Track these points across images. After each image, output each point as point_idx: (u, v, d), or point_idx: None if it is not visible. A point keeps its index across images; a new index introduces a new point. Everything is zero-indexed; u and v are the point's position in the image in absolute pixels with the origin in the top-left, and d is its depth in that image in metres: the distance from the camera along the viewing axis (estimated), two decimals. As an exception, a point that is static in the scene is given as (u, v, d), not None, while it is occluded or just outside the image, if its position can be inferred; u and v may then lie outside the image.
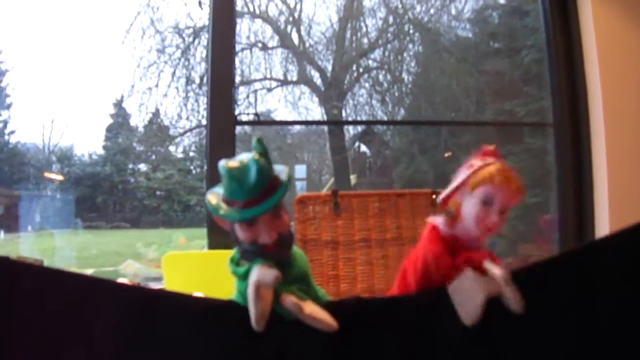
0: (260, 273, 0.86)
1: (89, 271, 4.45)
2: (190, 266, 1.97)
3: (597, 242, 1.09)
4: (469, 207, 0.96)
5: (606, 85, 2.89)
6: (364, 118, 4.56)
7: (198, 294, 1.62)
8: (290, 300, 0.88)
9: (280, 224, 0.90)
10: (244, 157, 0.88)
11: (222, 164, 0.88)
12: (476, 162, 0.99)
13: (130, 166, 5.79)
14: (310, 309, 0.88)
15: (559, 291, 0.95)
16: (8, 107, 5.26)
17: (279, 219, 0.90)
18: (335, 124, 4.71)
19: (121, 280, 1.74)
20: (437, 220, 1.02)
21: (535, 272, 0.98)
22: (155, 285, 2.30)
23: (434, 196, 1.99)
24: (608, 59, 2.90)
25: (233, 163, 0.87)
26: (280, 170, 0.92)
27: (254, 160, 0.86)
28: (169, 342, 0.90)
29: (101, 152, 5.82)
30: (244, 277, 0.89)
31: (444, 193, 1.01)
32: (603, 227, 2.77)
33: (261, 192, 0.86)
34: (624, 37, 2.94)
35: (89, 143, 5.82)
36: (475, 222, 0.95)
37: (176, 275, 2.05)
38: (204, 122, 4.25)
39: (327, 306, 0.91)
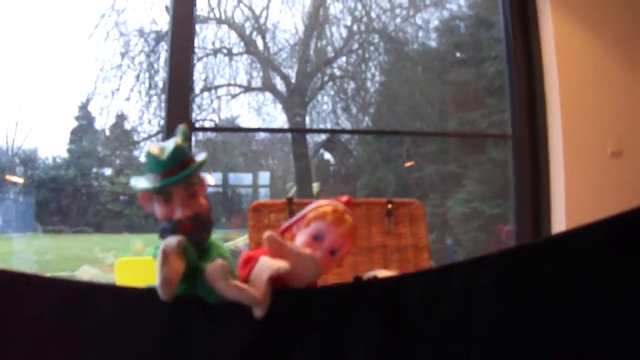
0: (166, 240, 0.88)
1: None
2: (142, 272, 1.94)
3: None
4: (301, 240, 0.99)
5: (565, 99, 2.92)
6: (328, 126, 4.57)
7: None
8: (216, 265, 0.86)
9: (197, 204, 0.94)
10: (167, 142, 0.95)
11: (147, 147, 0.94)
12: (321, 202, 1.03)
13: (94, 170, 5.72)
14: (235, 281, 0.87)
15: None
16: (-29, 108, 5.18)
17: (196, 198, 0.94)
18: (294, 131, 4.70)
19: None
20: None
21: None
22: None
23: (389, 206, 2.00)
24: (567, 73, 2.94)
25: (156, 145, 0.94)
26: (199, 155, 0.97)
27: (173, 142, 0.93)
28: (92, 331, 0.90)
29: (65, 155, 5.75)
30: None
31: (285, 224, 1.05)
32: (559, 238, 2.81)
33: (176, 166, 0.92)
34: (583, 52, 2.98)
35: (53, 146, 5.76)
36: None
37: (128, 281, 2.03)
38: (166, 127, 4.23)
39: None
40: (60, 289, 0.94)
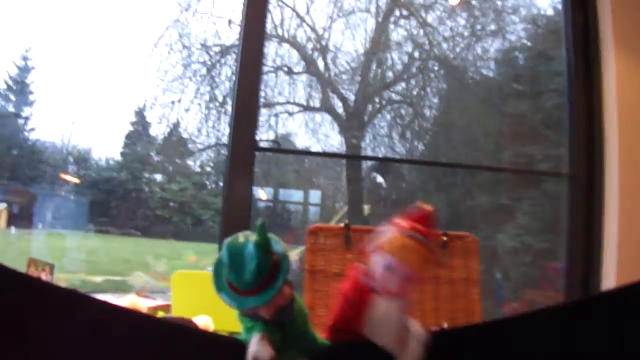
0: (257, 350, 0.89)
1: (97, 278, 4.47)
2: (198, 287, 1.96)
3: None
4: (375, 268, 0.98)
5: (624, 140, 2.88)
6: (383, 150, 4.58)
7: (204, 317, 1.64)
8: None
9: (280, 299, 0.92)
10: (245, 241, 0.90)
11: (226, 244, 0.90)
12: (401, 222, 1.00)
13: (146, 175, 5.83)
14: None
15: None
16: (30, 104, 5.34)
17: (279, 295, 0.91)
18: (350, 157, 4.71)
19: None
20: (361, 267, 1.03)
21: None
22: (162, 299, 2.30)
23: (444, 238, 2.01)
24: (627, 115, 2.90)
25: (235, 246, 0.89)
26: (280, 249, 0.92)
27: (254, 254, 0.87)
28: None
29: (118, 158, 5.87)
30: (247, 330, 0.93)
31: (374, 244, 1.01)
32: (610, 280, 2.77)
33: (258, 285, 0.88)
34: (645, 93, 2.94)
35: (107, 148, 5.88)
36: (378, 282, 0.98)
37: (184, 294, 2.06)
38: (224, 139, 4.29)
39: (320, 354, 0.96)
40: (151, 326, 0.99)
